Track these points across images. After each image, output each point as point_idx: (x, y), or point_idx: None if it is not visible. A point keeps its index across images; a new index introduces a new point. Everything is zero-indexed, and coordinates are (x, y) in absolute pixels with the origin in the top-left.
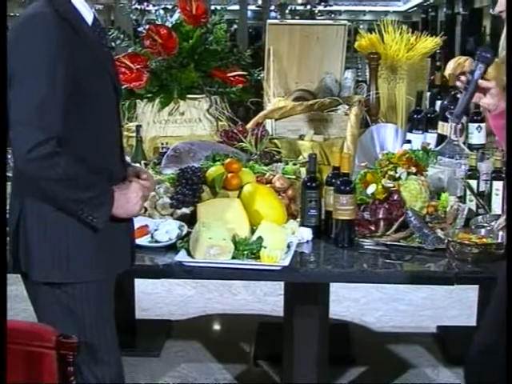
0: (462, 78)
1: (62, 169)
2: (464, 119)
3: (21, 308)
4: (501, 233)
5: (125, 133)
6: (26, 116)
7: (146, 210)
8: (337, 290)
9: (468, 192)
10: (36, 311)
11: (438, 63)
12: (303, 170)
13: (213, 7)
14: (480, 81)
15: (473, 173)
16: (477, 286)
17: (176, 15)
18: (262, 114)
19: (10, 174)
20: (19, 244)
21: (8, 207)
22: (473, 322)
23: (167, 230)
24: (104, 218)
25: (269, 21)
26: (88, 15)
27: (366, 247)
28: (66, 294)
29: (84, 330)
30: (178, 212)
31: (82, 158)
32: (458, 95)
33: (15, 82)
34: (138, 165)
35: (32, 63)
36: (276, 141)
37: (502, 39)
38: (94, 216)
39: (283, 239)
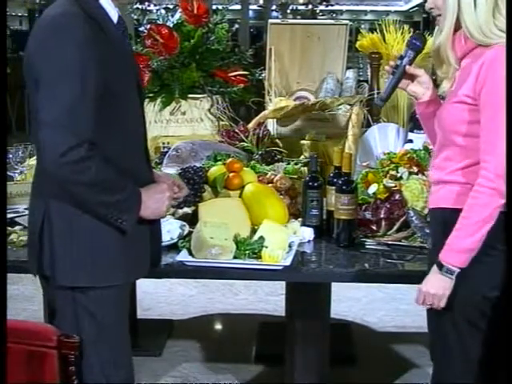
0: (391, 62)
1: (94, 173)
2: None
3: (21, 307)
4: None
5: None
6: (58, 119)
7: None
8: (338, 289)
9: None
10: (53, 313)
11: None
12: (304, 170)
13: (214, 7)
14: (408, 67)
15: None
16: None
17: (177, 15)
18: (263, 113)
19: (10, 174)
20: (43, 247)
21: (29, 208)
22: None
23: (169, 229)
24: (132, 220)
25: (270, 20)
26: (113, 14)
27: (367, 247)
28: (87, 297)
29: (102, 333)
30: (180, 211)
31: (110, 159)
32: (386, 80)
33: (44, 84)
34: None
35: (62, 65)
36: (277, 140)
37: (434, 33)
38: (123, 219)
39: (285, 239)
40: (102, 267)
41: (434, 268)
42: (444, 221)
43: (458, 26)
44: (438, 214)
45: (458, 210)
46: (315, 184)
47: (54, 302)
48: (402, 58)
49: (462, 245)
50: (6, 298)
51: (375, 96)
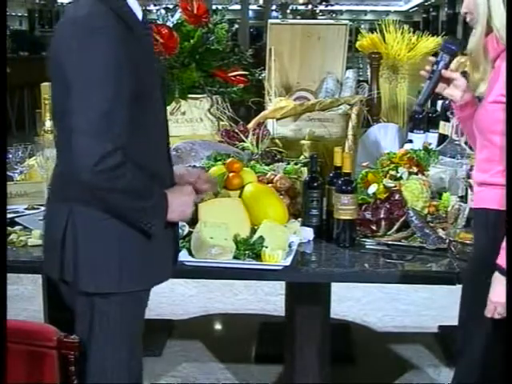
0: (427, 67)
1: (129, 179)
2: None
3: (22, 307)
4: None
5: None
6: (94, 125)
7: None
8: (338, 289)
9: (469, 192)
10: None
11: None
12: (304, 170)
13: (214, 7)
14: (443, 71)
15: None
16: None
17: (177, 15)
18: (263, 113)
19: (10, 174)
20: (65, 252)
21: (47, 213)
22: None
23: None
24: (161, 223)
25: (270, 20)
26: (139, 13)
27: (367, 247)
28: (109, 303)
29: (120, 336)
30: None
31: (139, 164)
32: (422, 84)
33: (78, 89)
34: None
35: (98, 68)
36: (277, 141)
37: (470, 37)
38: (152, 223)
39: (284, 239)
40: (127, 273)
41: (498, 276)
42: (488, 222)
43: (490, 29)
44: (481, 214)
45: (503, 212)
46: (315, 184)
47: (74, 307)
48: (437, 62)
49: None
50: (5, 298)
51: (375, 96)
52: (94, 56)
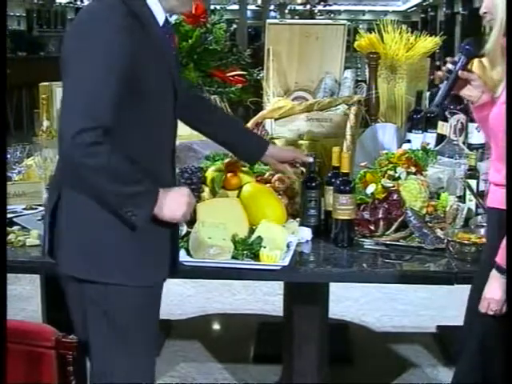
0: (444, 67)
1: (105, 159)
2: (464, 119)
3: (20, 307)
4: None
5: None
6: (76, 102)
7: None
8: (336, 289)
9: (467, 192)
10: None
11: (437, 63)
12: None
13: (212, 7)
14: (460, 72)
15: (472, 172)
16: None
17: (175, 15)
18: (261, 113)
19: (8, 174)
20: (54, 234)
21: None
22: None
23: None
24: (144, 216)
25: (268, 20)
26: (161, 16)
27: (365, 247)
28: (97, 292)
29: (115, 333)
30: None
31: (132, 156)
32: (440, 85)
33: (69, 69)
34: None
35: (88, 51)
36: (275, 140)
37: (489, 38)
38: (134, 213)
39: (283, 239)
40: (109, 263)
41: (495, 274)
42: (500, 221)
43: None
44: (494, 213)
45: None
46: (313, 184)
47: (67, 296)
48: (455, 63)
49: None
50: (5, 298)
51: (373, 96)
52: (87, 39)
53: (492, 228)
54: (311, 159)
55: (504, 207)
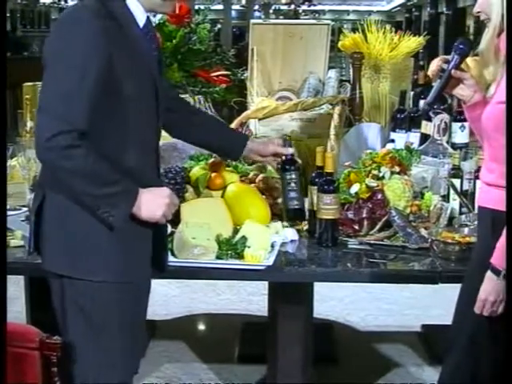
0: (436, 66)
1: (81, 162)
2: (447, 118)
3: None
4: None
5: None
6: (51, 104)
7: None
8: (321, 289)
9: (451, 191)
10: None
11: (421, 63)
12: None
13: (196, 7)
14: (453, 71)
15: (456, 172)
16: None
17: (159, 15)
18: (245, 113)
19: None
20: (38, 234)
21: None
22: None
23: None
24: (122, 216)
25: (252, 20)
26: (141, 16)
27: (349, 246)
28: (75, 289)
29: (95, 331)
30: None
31: (109, 156)
32: (433, 84)
33: (46, 70)
34: None
35: (64, 52)
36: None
37: (483, 37)
38: (110, 213)
39: (267, 239)
40: (89, 260)
41: (490, 275)
42: (493, 221)
43: (503, 29)
44: (487, 213)
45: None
46: (292, 167)
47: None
48: (448, 62)
49: None
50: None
51: (357, 95)
52: (63, 41)
53: (485, 228)
54: (291, 150)
55: (498, 208)
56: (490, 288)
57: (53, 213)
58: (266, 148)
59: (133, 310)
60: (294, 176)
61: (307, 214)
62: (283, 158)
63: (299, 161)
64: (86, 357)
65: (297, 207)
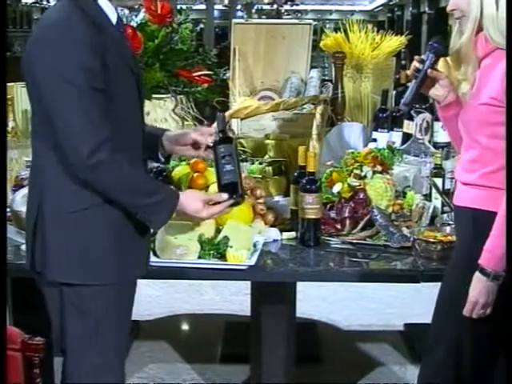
0: (412, 66)
1: (123, 174)
2: (429, 118)
3: None
4: None
5: None
6: (74, 124)
7: None
8: (304, 288)
9: (433, 190)
10: (49, 311)
11: (403, 62)
12: (269, 170)
13: (178, 6)
14: (429, 70)
15: (438, 171)
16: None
17: (141, 15)
18: (227, 113)
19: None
20: (36, 243)
21: (27, 203)
22: None
23: None
24: (161, 222)
25: (234, 20)
26: (112, 14)
27: (332, 246)
28: (77, 294)
29: (96, 333)
30: None
31: None
32: (409, 84)
33: (48, 89)
34: None
35: (62, 71)
36: (242, 140)
37: (452, 37)
38: (150, 219)
39: (249, 239)
40: (94, 265)
41: (478, 276)
42: (474, 221)
43: (480, 28)
44: (466, 213)
45: (491, 213)
46: (226, 140)
47: (49, 301)
48: (423, 61)
49: (505, 249)
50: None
51: (339, 95)
52: (63, 57)
53: (465, 227)
54: (211, 139)
55: (480, 207)
56: (479, 290)
57: (54, 221)
58: (185, 137)
59: (129, 309)
60: (226, 149)
61: (289, 212)
62: (215, 134)
63: (232, 135)
64: (84, 358)
65: (231, 181)
